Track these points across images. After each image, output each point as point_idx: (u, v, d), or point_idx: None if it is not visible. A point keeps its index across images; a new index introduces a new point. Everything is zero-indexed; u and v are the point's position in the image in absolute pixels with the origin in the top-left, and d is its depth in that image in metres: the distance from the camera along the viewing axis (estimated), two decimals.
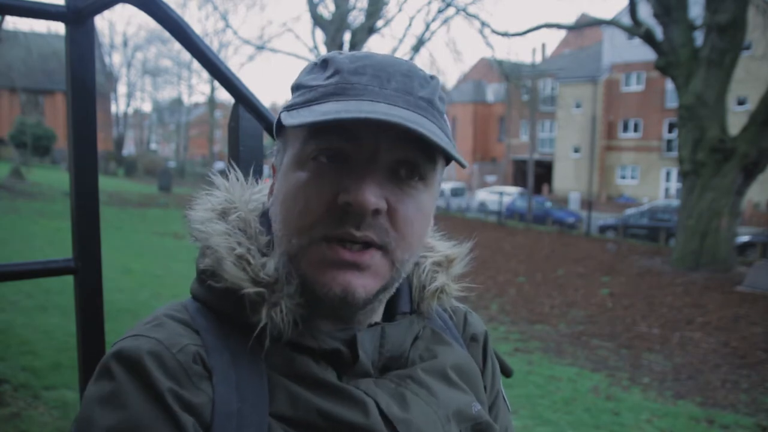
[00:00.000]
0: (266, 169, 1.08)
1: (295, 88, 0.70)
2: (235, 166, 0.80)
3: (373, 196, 0.62)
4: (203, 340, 0.65)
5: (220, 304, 0.68)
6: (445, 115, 0.70)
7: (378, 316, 0.73)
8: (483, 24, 19.26)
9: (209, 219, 0.72)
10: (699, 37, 13.29)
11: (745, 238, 15.60)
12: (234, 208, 0.73)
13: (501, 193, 23.74)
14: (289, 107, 0.68)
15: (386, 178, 0.65)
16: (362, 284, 0.64)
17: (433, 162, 0.67)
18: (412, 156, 0.65)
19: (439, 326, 0.82)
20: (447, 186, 26.61)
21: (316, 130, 0.64)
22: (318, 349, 0.67)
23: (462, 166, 0.65)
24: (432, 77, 0.69)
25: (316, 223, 0.64)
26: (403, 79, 0.66)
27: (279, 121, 0.69)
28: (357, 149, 0.64)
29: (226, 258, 0.67)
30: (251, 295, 0.65)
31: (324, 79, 0.66)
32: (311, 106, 0.65)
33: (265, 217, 0.74)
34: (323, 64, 0.68)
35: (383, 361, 0.70)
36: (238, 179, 0.79)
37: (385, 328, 0.70)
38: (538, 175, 34.30)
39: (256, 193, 0.79)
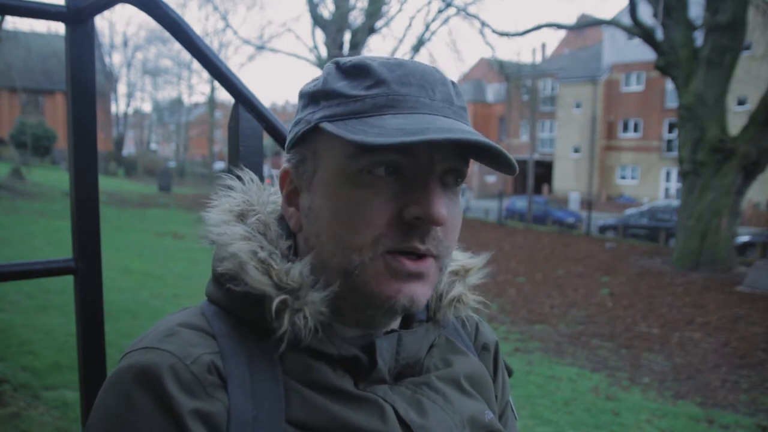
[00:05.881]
0: (266, 169, 1.08)
1: (326, 96, 0.66)
2: (246, 168, 0.79)
3: (443, 209, 0.62)
4: (219, 346, 0.64)
5: (239, 308, 0.67)
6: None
7: (395, 323, 0.73)
8: (483, 24, 19.28)
9: (227, 221, 0.70)
10: (699, 37, 13.30)
11: (745, 238, 15.61)
12: (253, 211, 0.72)
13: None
14: (331, 117, 0.64)
15: (440, 187, 0.65)
16: (423, 293, 0.65)
17: (468, 167, 0.68)
18: (458, 164, 0.66)
19: (452, 334, 0.82)
20: None
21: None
22: (336, 356, 0.66)
23: (514, 170, 0.65)
24: (453, 83, 0.70)
25: (380, 238, 0.63)
26: (443, 89, 0.66)
27: (306, 130, 0.67)
28: (412, 161, 0.63)
29: (249, 262, 0.65)
30: (274, 300, 0.64)
31: (365, 88, 0.64)
32: (364, 118, 0.62)
33: (282, 221, 0.73)
34: (355, 70, 0.66)
35: (398, 368, 0.70)
36: (252, 180, 0.77)
37: (402, 336, 0.70)
38: (538, 175, 34.30)
39: (273, 195, 0.78)
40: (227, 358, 0.63)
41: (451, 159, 0.65)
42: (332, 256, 0.65)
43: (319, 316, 0.65)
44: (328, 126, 0.63)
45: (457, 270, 0.79)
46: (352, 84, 0.65)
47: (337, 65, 0.68)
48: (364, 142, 0.59)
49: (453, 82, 0.69)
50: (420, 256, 0.64)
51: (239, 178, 0.77)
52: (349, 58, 0.68)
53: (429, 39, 20.59)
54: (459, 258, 0.81)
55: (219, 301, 0.69)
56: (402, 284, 0.64)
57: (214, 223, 0.71)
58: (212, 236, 0.70)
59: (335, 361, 0.66)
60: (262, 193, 0.76)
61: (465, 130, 0.62)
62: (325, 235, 0.66)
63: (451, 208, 0.66)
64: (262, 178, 0.82)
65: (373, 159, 0.63)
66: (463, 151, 0.65)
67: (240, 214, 0.72)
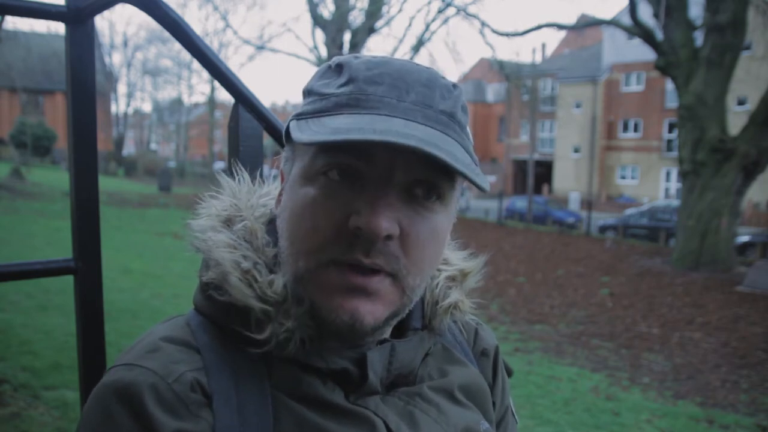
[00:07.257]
0: (266, 169, 1.08)
1: (307, 93, 0.66)
2: (242, 167, 0.77)
3: (385, 221, 0.58)
4: (204, 360, 0.62)
5: (223, 318, 0.65)
6: (467, 128, 0.66)
7: (387, 333, 0.70)
8: (483, 24, 19.29)
9: (213, 227, 0.68)
10: (699, 37, 13.30)
11: (745, 238, 15.62)
12: (240, 216, 0.70)
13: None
14: (299, 115, 0.64)
15: (401, 199, 0.61)
16: (370, 311, 0.61)
17: (452, 180, 0.63)
18: (429, 176, 0.61)
19: (449, 341, 0.79)
20: None
21: (328, 144, 0.60)
22: (326, 369, 0.64)
23: (482, 190, 0.61)
24: (455, 86, 0.65)
25: (325, 245, 0.60)
26: (423, 90, 0.61)
27: (288, 128, 0.65)
28: (371, 167, 0.60)
29: (232, 273, 0.63)
30: (257, 312, 0.62)
31: (337, 86, 0.62)
32: (322, 117, 0.61)
33: (272, 225, 0.70)
34: (337, 68, 0.64)
35: (391, 378, 0.68)
36: (244, 180, 0.75)
37: (396, 346, 0.67)
38: (538, 175, 34.30)
39: (264, 197, 0.75)
40: (212, 374, 0.61)
41: (419, 169, 0.60)
42: (287, 259, 0.64)
43: (307, 329, 0.63)
44: (292, 125, 0.63)
45: (454, 276, 0.76)
46: (327, 82, 0.64)
47: (329, 64, 0.67)
48: (294, 137, 0.60)
49: (450, 86, 0.65)
50: (368, 271, 0.60)
51: (233, 176, 0.75)
52: (340, 57, 0.67)
53: (429, 39, 20.60)
54: (456, 261, 0.78)
55: (205, 311, 0.67)
56: (344, 299, 0.60)
57: (200, 229, 0.69)
58: (197, 243, 0.68)
59: (325, 374, 0.64)
60: (252, 195, 0.74)
61: (416, 135, 0.56)
62: (284, 235, 0.65)
63: (419, 224, 0.62)
64: (256, 179, 0.79)
65: (327, 160, 0.61)
66: (434, 162, 0.57)
67: (227, 219, 0.70)
